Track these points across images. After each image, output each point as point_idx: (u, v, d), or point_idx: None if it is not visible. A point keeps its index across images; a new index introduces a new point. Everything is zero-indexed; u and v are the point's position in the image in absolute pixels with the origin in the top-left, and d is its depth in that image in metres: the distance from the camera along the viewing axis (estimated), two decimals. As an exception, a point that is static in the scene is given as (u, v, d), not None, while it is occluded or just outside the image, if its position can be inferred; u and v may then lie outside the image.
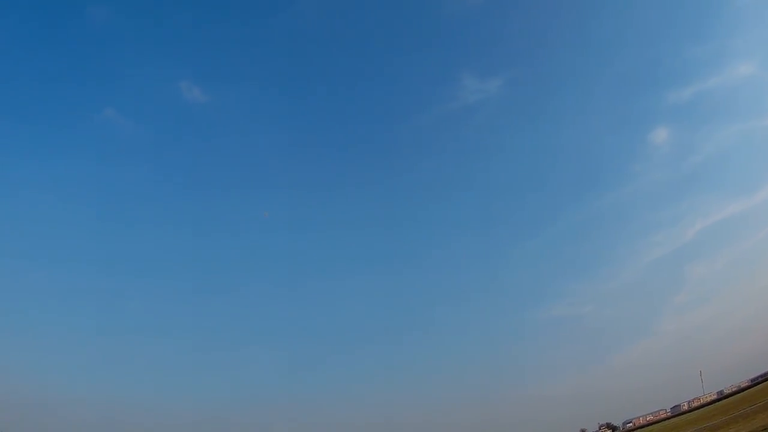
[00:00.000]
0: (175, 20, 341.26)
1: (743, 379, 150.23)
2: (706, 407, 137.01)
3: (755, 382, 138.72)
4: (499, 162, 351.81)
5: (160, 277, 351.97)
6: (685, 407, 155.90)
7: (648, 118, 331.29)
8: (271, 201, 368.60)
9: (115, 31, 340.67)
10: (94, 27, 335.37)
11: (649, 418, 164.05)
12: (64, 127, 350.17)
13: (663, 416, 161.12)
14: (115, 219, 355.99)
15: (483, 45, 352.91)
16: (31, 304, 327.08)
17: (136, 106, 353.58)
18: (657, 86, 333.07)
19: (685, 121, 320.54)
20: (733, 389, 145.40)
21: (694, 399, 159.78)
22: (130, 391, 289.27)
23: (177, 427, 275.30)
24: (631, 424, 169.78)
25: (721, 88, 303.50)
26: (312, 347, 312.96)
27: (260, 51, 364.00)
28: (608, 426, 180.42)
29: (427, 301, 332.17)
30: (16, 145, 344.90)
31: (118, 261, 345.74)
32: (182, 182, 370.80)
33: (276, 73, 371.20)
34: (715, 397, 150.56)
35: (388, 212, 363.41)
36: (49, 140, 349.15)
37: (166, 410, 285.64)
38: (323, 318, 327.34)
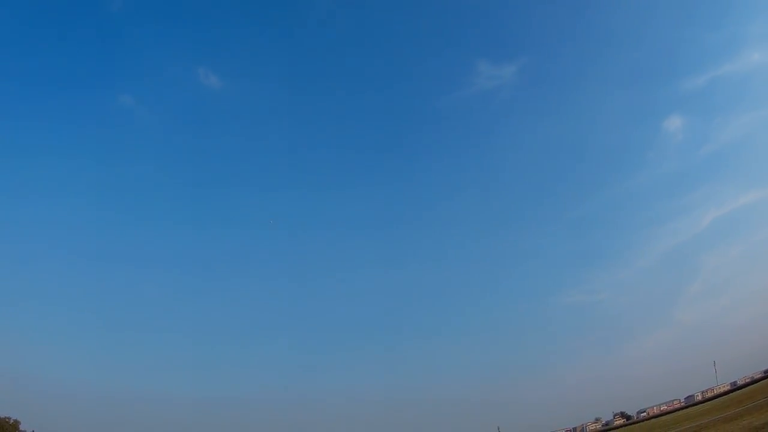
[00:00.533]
0: (193, 5, 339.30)
1: (756, 371, 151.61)
2: (719, 398, 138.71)
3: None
4: (515, 149, 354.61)
5: (169, 269, 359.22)
6: (699, 397, 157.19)
7: (662, 106, 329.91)
8: (284, 191, 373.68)
9: (132, 16, 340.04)
10: (112, 12, 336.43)
11: (663, 407, 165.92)
12: (79, 114, 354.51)
13: (677, 406, 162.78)
14: (128, 208, 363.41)
15: (498, 31, 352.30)
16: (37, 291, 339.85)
17: (153, 92, 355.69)
18: (671, 74, 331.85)
19: (700, 110, 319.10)
20: (747, 380, 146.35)
21: (708, 389, 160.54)
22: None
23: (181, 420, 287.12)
24: (645, 414, 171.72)
25: (735, 75, 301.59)
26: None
27: (277, 39, 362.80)
28: (622, 415, 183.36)
29: (444, 292, 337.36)
30: (31, 127, 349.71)
31: (126, 253, 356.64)
32: (195, 172, 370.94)
33: (291, 62, 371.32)
34: (728, 387, 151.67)
35: (401, 199, 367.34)
36: (65, 126, 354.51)
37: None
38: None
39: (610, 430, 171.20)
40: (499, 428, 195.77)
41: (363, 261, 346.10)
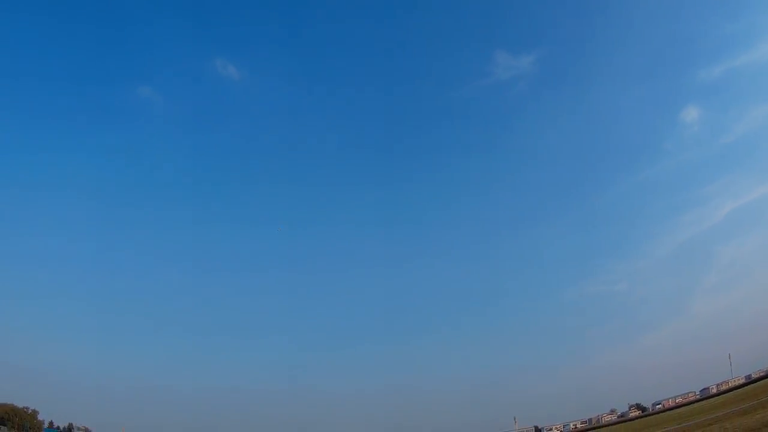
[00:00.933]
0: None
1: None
2: (734, 391, 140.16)
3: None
4: (532, 140, 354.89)
5: (184, 263, 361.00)
6: (714, 390, 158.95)
7: (679, 97, 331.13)
8: (301, 181, 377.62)
9: (149, 8, 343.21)
10: (128, 4, 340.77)
11: (679, 400, 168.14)
12: (99, 106, 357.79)
13: (692, 398, 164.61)
14: (147, 202, 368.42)
15: (516, 21, 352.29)
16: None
17: (171, 84, 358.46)
18: (688, 64, 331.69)
19: (716, 101, 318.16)
20: (761, 374, 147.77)
21: (723, 382, 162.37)
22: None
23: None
24: (660, 406, 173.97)
25: (752, 66, 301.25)
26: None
27: (294, 29, 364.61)
28: (638, 407, 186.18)
29: (464, 285, 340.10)
30: (49, 120, 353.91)
31: (141, 247, 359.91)
32: (213, 164, 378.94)
33: (308, 52, 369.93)
34: (743, 381, 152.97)
35: (420, 194, 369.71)
36: (85, 118, 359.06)
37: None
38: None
39: (625, 421, 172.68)
40: (515, 419, 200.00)
41: (386, 256, 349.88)
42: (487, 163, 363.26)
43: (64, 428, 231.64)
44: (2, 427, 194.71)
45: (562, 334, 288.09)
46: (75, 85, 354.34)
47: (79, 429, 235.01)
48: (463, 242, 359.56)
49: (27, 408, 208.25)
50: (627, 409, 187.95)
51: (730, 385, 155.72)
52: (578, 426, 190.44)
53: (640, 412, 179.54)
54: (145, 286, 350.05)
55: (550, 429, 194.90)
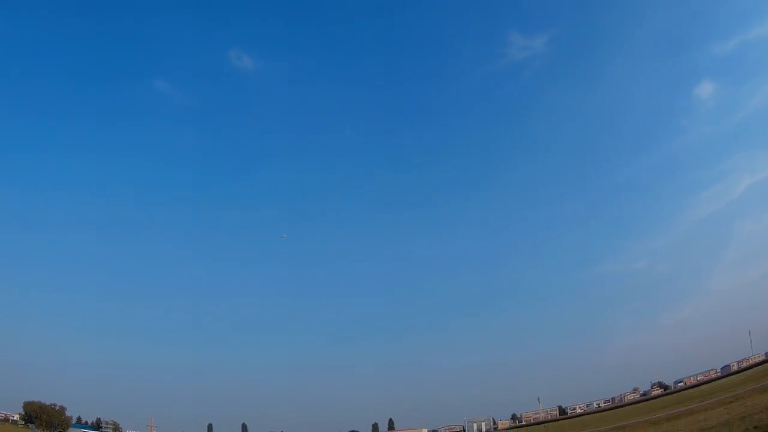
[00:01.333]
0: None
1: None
2: (755, 368, 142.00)
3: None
4: (548, 121, 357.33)
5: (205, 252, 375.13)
6: (735, 367, 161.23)
7: (693, 72, 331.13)
8: (320, 169, 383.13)
9: (161, 1, 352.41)
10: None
11: (700, 377, 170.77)
12: (115, 100, 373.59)
13: (713, 376, 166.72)
14: (167, 190, 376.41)
15: (527, 1, 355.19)
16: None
17: (186, 76, 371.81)
18: (701, 39, 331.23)
19: (730, 75, 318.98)
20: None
21: (743, 359, 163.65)
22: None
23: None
24: (682, 384, 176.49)
25: (765, 38, 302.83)
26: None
27: (307, 14, 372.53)
28: (660, 385, 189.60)
29: (484, 266, 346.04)
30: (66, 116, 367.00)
31: (163, 237, 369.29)
32: (231, 152, 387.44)
33: (322, 37, 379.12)
34: (763, 357, 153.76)
35: (435, 174, 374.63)
36: (102, 112, 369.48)
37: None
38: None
39: (647, 399, 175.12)
40: (539, 399, 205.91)
41: (413, 238, 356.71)
42: (503, 145, 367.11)
43: (92, 423, 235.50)
44: (30, 425, 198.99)
45: (583, 314, 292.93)
46: (90, 83, 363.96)
47: (107, 423, 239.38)
48: (482, 225, 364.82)
49: (54, 405, 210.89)
50: (649, 388, 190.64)
51: (751, 362, 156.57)
52: (601, 405, 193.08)
53: (663, 390, 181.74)
54: (170, 282, 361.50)
55: (574, 409, 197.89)
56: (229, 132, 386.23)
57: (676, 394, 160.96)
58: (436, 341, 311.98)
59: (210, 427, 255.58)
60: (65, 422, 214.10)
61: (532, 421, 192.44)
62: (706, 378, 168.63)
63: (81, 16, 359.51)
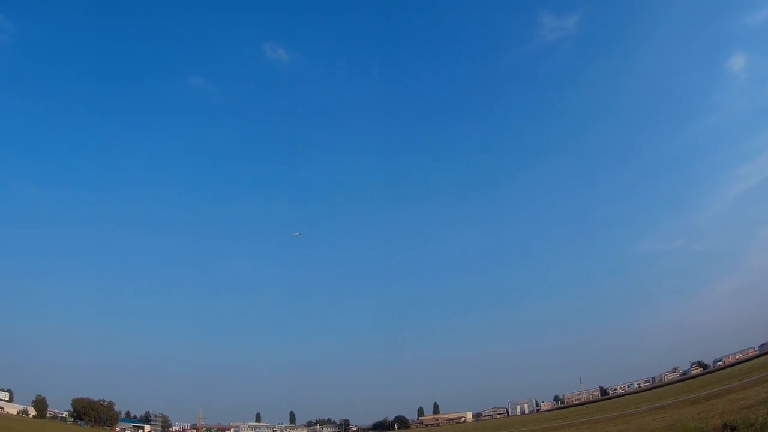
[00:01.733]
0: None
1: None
2: None
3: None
4: (582, 101, 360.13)
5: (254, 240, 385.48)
6: None
7: (725, 44, 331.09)
8: (357, 159, 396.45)
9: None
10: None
11: (739, 356, 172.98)
12: (152, 98, 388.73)
13: (752, 354, 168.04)
14: (209, 184, 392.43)
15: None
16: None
17: (221, 71, 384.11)
18: (731, 9, 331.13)
19: (762, 47, 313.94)
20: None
21: None
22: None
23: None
24: (721, 363, 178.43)
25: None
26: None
27: (339, 6, 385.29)
28: (699, 364, 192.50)
29: (528, 251, 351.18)
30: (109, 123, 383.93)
31: (210, 228, 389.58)
32: (268, 144, 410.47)
33: (357, 28, 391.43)
34: None
35: (472, 162, 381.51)
36: (143, 110, 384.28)
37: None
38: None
39: (687, 379, 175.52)
40: (581, 380, 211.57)
41: (458, 226, 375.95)
42: (538, 129, 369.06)
43: (141, 417, 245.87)
44: (79, 422, 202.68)
45: (622, 295, 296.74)
46: (127, 81, 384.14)
47: (156, 416, 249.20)
48: (521, 212, 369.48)
49: (103, 400, 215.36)
50: (689, 367, 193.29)
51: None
52: (642, 385, 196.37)
53: (702, 369, 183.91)
54: (216, 276, 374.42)
55: (615, 389, 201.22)
56: (268, 125, 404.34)
57: (715, 373, 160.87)
58: (479, 329, 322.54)
59: (258, 417, 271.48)
60: (114, 417, 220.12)
61: (574, 402, 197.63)
62: (745, 356, 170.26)
63: (111, 16, 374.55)
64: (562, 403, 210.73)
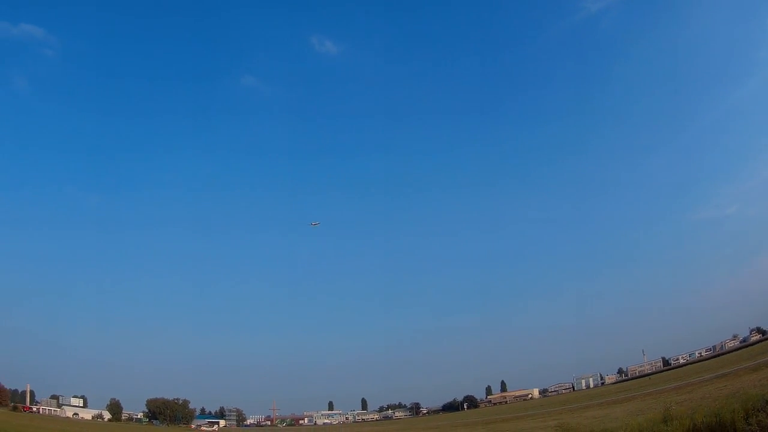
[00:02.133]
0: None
1: None
2: None
3: None
4: (628, 68, 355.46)
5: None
6: None
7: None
8: (411, 147, 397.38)
9: None
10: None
11: None
12: (207, 99, 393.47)
13: None
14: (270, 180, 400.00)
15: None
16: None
17: (272, 68, 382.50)
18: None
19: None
20: None
21: None
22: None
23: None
24: None
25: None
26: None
27: None
28: (758, 330, 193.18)
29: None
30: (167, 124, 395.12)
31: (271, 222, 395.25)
32: (323, 139, 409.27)
33: (401, 16, 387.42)
34: None
35: (528, 140, 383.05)
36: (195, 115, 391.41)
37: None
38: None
39: (747, 346, 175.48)
40: (643, 351, 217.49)
41: (511, 206, 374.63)
42: (589, 103, 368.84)
43: (215, 412, 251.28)
44: (154, 422, 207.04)
45: (679, 262, 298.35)
46: (180, 82, 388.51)
47: (230, 411, 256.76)
48: (577, 186, 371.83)
49: (177, 399, 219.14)
50: (748, 334, 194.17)
51: None
52: (703, 354, 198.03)
53: (761, 335, 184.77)
54: (281, 268, 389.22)
55: (677, 359, 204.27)
56: (321, 119, 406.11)
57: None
58: (543, 305, 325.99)
59: (331, 405, 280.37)
60: (189, 414, 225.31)
61: (637, 374, 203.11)
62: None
63: (155, 18, 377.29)
64: (626, 375, 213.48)
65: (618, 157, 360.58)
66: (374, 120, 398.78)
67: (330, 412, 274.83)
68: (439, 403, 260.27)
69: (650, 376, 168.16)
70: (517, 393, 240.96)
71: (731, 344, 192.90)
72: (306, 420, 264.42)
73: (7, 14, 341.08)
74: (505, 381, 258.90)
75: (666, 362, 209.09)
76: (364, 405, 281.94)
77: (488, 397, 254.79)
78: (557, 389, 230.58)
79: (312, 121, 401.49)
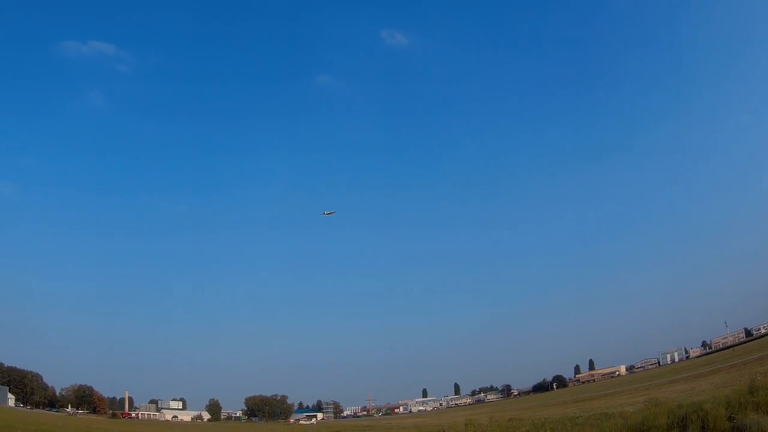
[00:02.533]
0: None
1: None
2: None
3: None
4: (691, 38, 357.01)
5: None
6: None
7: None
8: (491, 135, 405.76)
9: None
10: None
11: None
12: (286, 100, 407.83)
13: None
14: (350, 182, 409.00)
15: None
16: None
17: (345, 65, 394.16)
18: None
19: None
20: None
21: None
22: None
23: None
24: None
25: None
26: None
27: None
28: None
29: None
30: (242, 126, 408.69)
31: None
32: (401, 132, 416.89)
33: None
34: None
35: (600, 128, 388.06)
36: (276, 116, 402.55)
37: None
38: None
39: None
40: (726, 322, 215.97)
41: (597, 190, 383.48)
42: (659, 80, 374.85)
43: (313, 406, 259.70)
44: (253, 419, 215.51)
45: (755, 231, 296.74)
46: (257, 84, 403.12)
47: (327, 404, 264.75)
48: (664, 157, 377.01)
49: (276, 395, 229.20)
50: None
51: None
52: None
53: None
54: (360, 258, 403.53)
55: (758, 329, 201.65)
56: (402, 113, 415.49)
57: None
58: (628, 281, 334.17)
59: (425, 392, 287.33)
60: (288, 410, 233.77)
61: (721, 346, 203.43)
62: None
63: (234, 23, 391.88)
64: (710, 347, 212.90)
65: (698, 116, 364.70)
66: (448, 106, 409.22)
67: (424, 399, 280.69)
68: (529, 384, 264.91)
69: (733, 348, 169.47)
70: (605, 371, 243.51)
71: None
72: (401, 408, 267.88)
73: (75, 33, 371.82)
74: (592, 359, 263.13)
75: (748, 333, 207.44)
76: (456, 390, 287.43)
77: (576, 376, 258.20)
78: (644, 365, 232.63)
79: (391, 114, 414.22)
